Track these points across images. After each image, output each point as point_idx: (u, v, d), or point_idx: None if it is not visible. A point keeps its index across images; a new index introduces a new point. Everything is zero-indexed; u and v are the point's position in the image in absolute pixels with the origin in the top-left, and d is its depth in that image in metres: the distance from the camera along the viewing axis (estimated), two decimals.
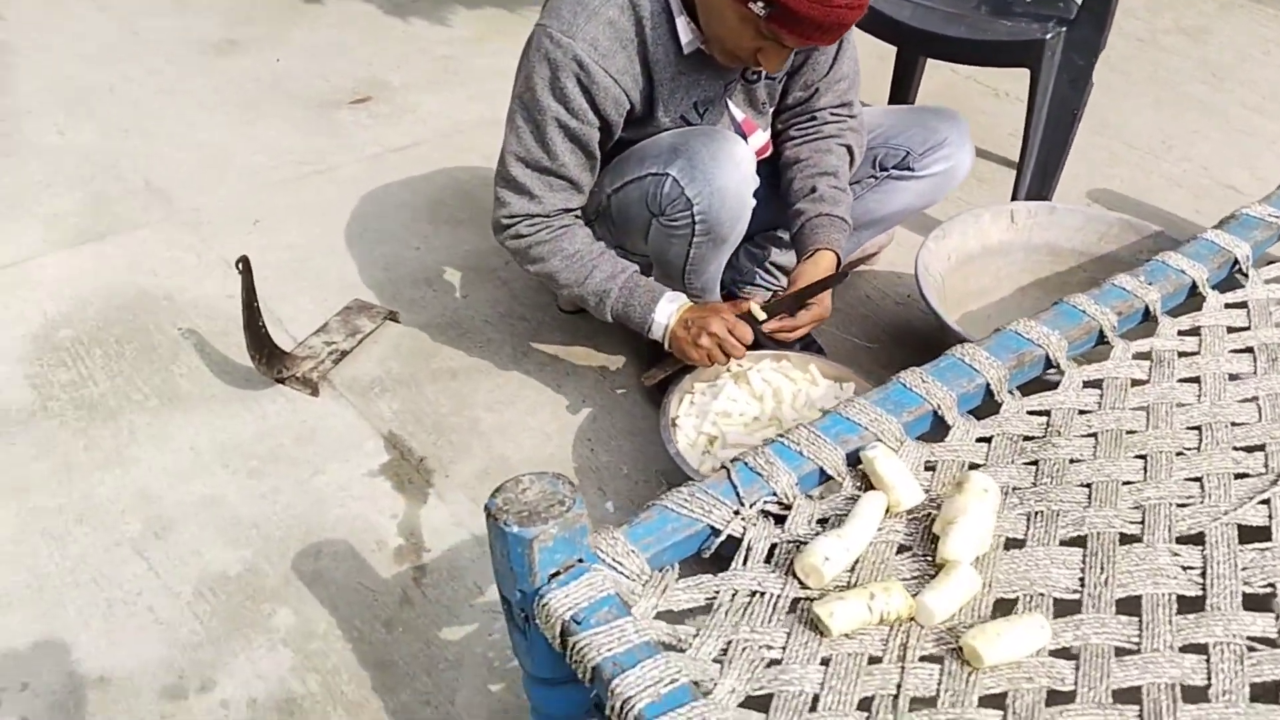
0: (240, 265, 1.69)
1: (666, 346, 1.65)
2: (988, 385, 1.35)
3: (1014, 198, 2.30)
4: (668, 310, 1.62)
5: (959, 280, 1.94)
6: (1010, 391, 1.37)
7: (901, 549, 1.16)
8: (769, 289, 2.03)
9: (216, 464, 1.74)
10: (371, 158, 2.60)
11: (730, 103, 1.69)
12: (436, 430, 1.84)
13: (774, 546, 1.15)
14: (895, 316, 2.17)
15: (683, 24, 1.53)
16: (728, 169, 1.55)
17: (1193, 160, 2.85)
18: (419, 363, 1.98)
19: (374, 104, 2.85)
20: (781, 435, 1.23)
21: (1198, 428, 1.31)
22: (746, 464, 1.20)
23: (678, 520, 1.14)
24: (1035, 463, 1.29)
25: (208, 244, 2.25)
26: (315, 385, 1.86)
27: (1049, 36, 2.10)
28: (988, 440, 1.32)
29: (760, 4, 1.38)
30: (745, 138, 1.71)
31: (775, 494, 1.18)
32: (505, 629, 1.50)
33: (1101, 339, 1.47)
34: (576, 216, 1.68)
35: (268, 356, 1.81)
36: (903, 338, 2.12)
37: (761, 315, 1.61)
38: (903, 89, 2.59)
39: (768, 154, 1.81)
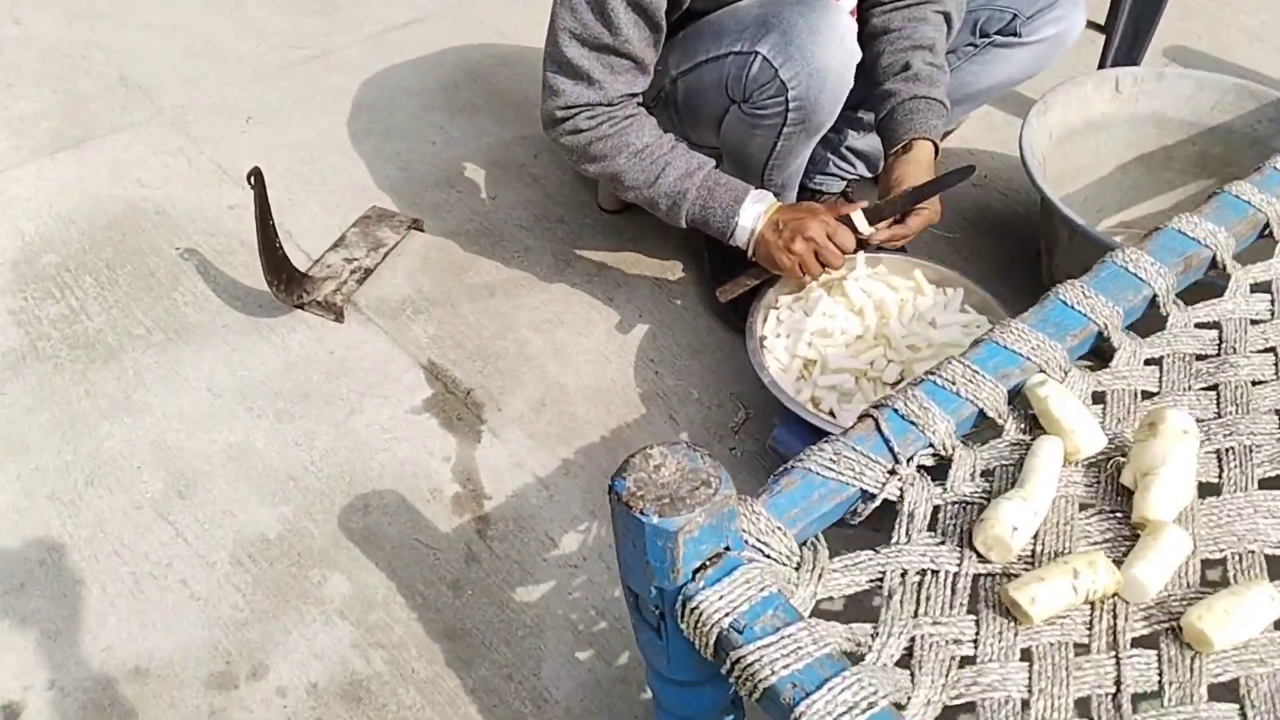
0: (251, 179, 1.44)
1: (750, 254, 1.43)
2: (1154, 297, 1.15)
3: (1101, 64, 2.05)
4: (754, 212, 1.40)
5: (1059, 159, 1.72)
6: (1175, 302, 1.18)
7: (1084, 506, 0.98)
8: (843, 178, 1.80)
9: (239, 407, 1.54)
10: (371, 38, 2.31)
11: None
12: (480, 356, 1.63)
13: (936, 510, 0.97)
14: (974, 202, 1.95)
15: None
16: (829, 44, 1.30)
17: (1270, 10, 2.59)
18: (451, 278, 1.76)
19: None
20: (932, 373, 1.04)
21: None
22: (896, 410, 1.00)
23: (824, 485, 0.95)
24: (1214, 387, 1.10)
25: (199, 146, 1.99)
26: (340, 310, 1.65)
27: None
28: (1157, 363, 1.13)
29: None
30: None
31: (932, 445, 1.00)
32: (584, 586, 1.34)
33: (1264, 233, 1.27)
34: (639, 104, 1.44)
35: (286, 281, 1.58)
36: (984, 225, 1.91)
37: (865, 226, 1.39)
38: None
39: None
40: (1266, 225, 1.26)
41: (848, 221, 1.39)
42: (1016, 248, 1.88)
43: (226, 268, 1.74)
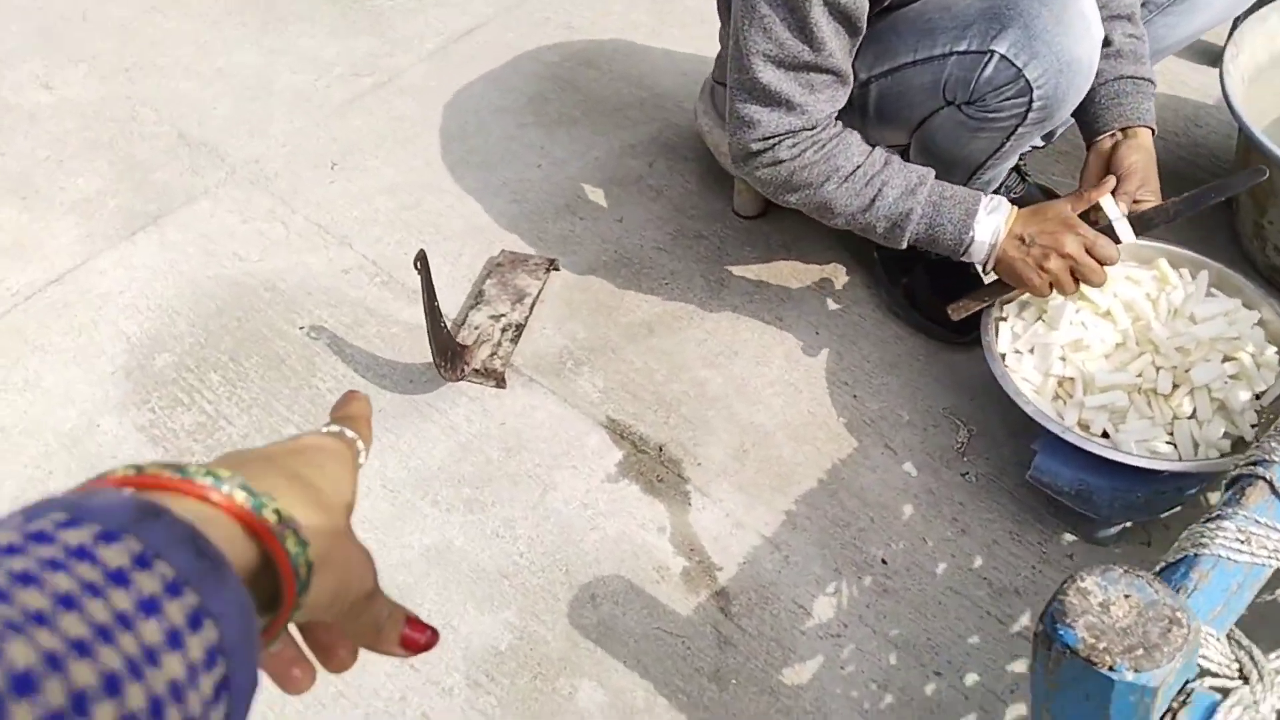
0: (418, 264, 1.29)
1: (987, 269, 1.30)
2: None
3: None
4: (991, 225, 1.26)
5: (1245, 105, 1.57)
6: None
7: None
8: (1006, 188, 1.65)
9: (423, 502, 1.40)
10: (435, 53, 2.13)
11: None
12: (660, 405, 1.50)
13: None
14: (1178, 166, 1.80)
15: None
16: (1078, 34, 1.15)
17: None
18: (604, 320, 1.62)
19: None
20: None
21: None
22: None
23: (1238, 571, 0.83)
24: None
25: (289, 205, 1.82)
26: (501, 375, 1.50)
27: None
28: None
29: None
30: None
31: None
32: (855, 657, 1.23)
33: None
34: (836, 118, 1.29)
35: (451, 358, 1.44)
36: (1184, 187, 1.76)
37: (1129, 236, 1.23)
38: None
39: None
40: None
41: (1108, 231, 1.24)
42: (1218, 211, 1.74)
43: (361, 342, 1.59)
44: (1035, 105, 1.20)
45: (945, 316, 1.52)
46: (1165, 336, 1.24)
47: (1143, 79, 1.32)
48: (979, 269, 1.38)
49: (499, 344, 1.53)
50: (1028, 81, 1.18)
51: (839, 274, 1.67)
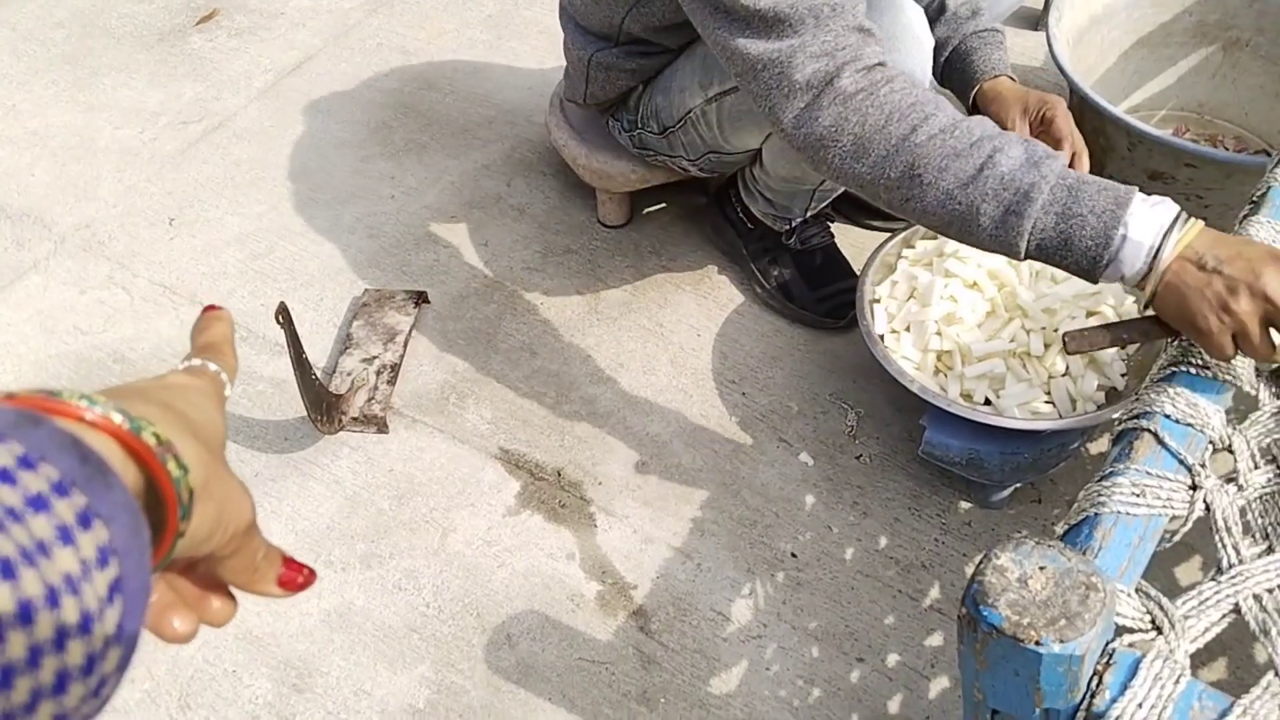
0: (280, 318, 1.22)
1: (1145, 294, 0.90)
2: None
3: None
4: (1154, 223, 0.87)
5: (1072, 65, 1.64)
6: None
7: None
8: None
9: (316, 564, 1.33)
10: (266, 91, 2.04)
11: None
12: (554, 428, 1.47)
13: (1242, 512, 0.89)
14: None
15: None
16: (909, 49, 1.16)
17: None
18: (483, 348, 1.57)
19: (225, 16, 2.22)
20: (1182, 361, 0.94)
21: None
22: (1169, 416, 0.91)
23: (1138, 525, 0.86)
24: None
25: (128, 268, 1.71)
26: (382, 420, 1.45)
27: None
28: None
29: None
30: None
31: (1212, 442, 0.91)
32: (778, 656, 1.23)
33: None
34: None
35: (327, 410, 1.37)
36: None
37: None
38: None
39: None
40: None
41: None
42: None
43: (228, 405, 1.50)
44: None
45: (819, 304, 1.54)
46: (1031, 300, 1.28)
47: (986, 30, 1.35)
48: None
49: (375, 388, 1.47)
50: None
51: (712, 274, 1.67)
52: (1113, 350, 1.26)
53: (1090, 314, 1.29)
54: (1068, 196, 0.90)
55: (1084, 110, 1.51)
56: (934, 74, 1.38)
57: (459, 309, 1.62)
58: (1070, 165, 1.22)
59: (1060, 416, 1.24)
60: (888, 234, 1.44)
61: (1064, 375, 1.26)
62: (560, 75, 1.58)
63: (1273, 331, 0.86)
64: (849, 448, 1.43)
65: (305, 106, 1.99)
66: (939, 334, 1.29)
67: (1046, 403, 1.26)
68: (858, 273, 1.43)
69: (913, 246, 1.41)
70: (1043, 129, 1.27)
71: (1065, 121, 1.26)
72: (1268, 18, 1.67)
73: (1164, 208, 0.89)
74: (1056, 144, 1.26)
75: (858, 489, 1.38)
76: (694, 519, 1.36)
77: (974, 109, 1.34)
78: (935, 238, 1.41)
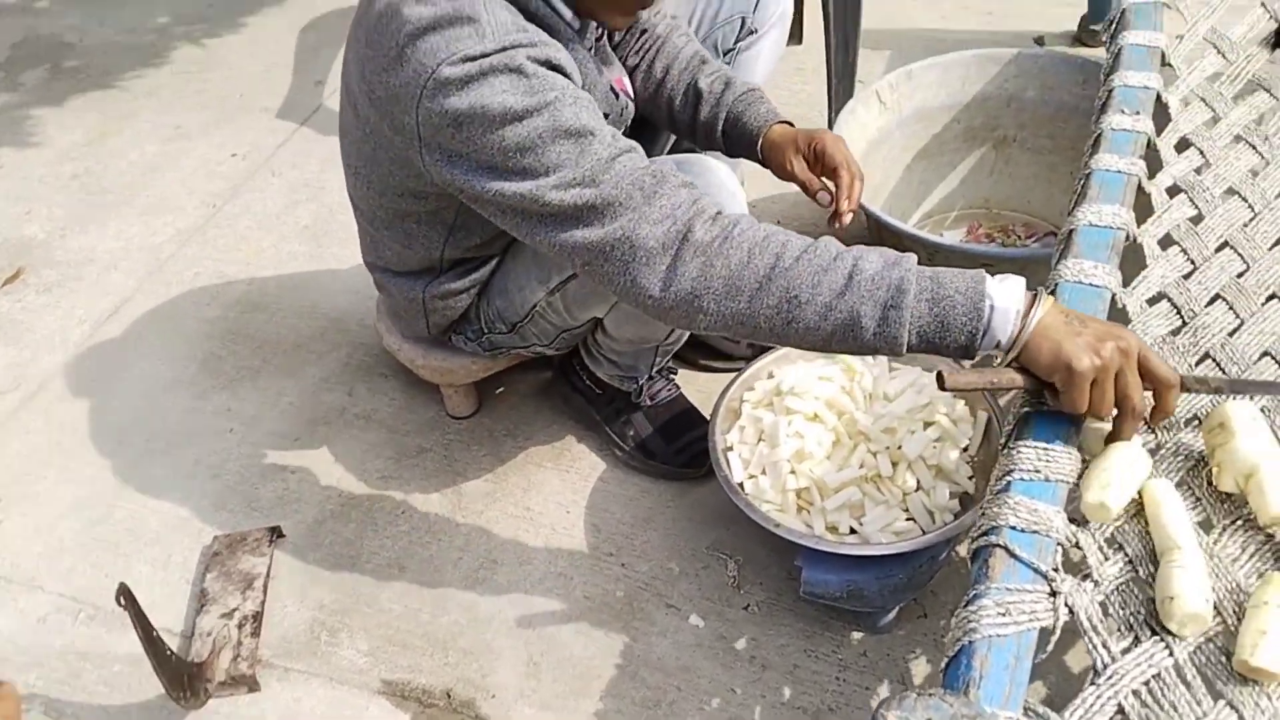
0: (121, 600, 1.15)
1: (1011, 352, 0.96)
2: (1113, 295, 1.16)
3: (828, 78, 2.11)
4: (1011, 291, 0.95)
5: (870, 193, 1.75)
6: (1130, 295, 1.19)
7: (1206, 528, 0.96)
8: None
9: None
10: (84, 343, 1.97)
11: (604, 71, 1.31)
12: (435, 645, 1.41)
13: (1103, 607, 0.92)
14: None
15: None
16: (727, 202, 1.21)
17: None
18: (348, 574, 1.51)
19: (31, 274, 2.16)
20: (1010, 470, 0.97)
21: None
22: (1015, 528, 0.94)
23: (1011, 644, 0.87)
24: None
25: None
26: (251, 678, 1.36)
27: None
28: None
29: None
30: (631, 100, 1.39)
31: (1060, 544, 0.94)
32: None
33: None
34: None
35: (189, 683, 1.28)
36: None
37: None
38: None
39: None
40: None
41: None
42: None
43: (83, 695, 1.39)
44: None
45: (677, 456, 1.55)
46: (870, 423, 1.32)
47: (745, 94, 1.41)
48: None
49: (239, 643, 1.39)
50: None
51: (571, 446, 1.66)
52: (955, 456, 1.31)
53: (927, 425, 1.33)
54: (933, 284, 0.96)
55: (881, 229, 1.60)
56: (721, 151, 1.45)
57: (317, 536, 1.57)
58: (851, 186, 1.31)
59: (923, 531, 1.27)
60: (732, 374, 1.47)
61: (917, 490, 1.29)
62: None
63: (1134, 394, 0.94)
64: (735, 599, 1.42)
65: (128, 352, 1.93)
66: (793, 472, 1.31)
67: (907, 520, 1.29)
68: (708, 417, 1.45)
69: (752, 389, 1.44)
70: (817, 160, 1.33)
71: (835, 148, 1.33)
72: (1025, 114, 1.82)
73: (1013, 279, 0.97)
74: (833, 171, 1.32)
75: (752, 641, 1.37)
76: (596, 712, 1.32)
77: (762, 161, 1.40)
78: (771, 377, 1.44)
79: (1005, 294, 0.96)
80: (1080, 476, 0.97)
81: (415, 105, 1.06)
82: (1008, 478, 0.98)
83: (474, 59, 1.03)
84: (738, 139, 1.42)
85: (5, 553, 1.60)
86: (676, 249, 1.02)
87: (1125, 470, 0.96)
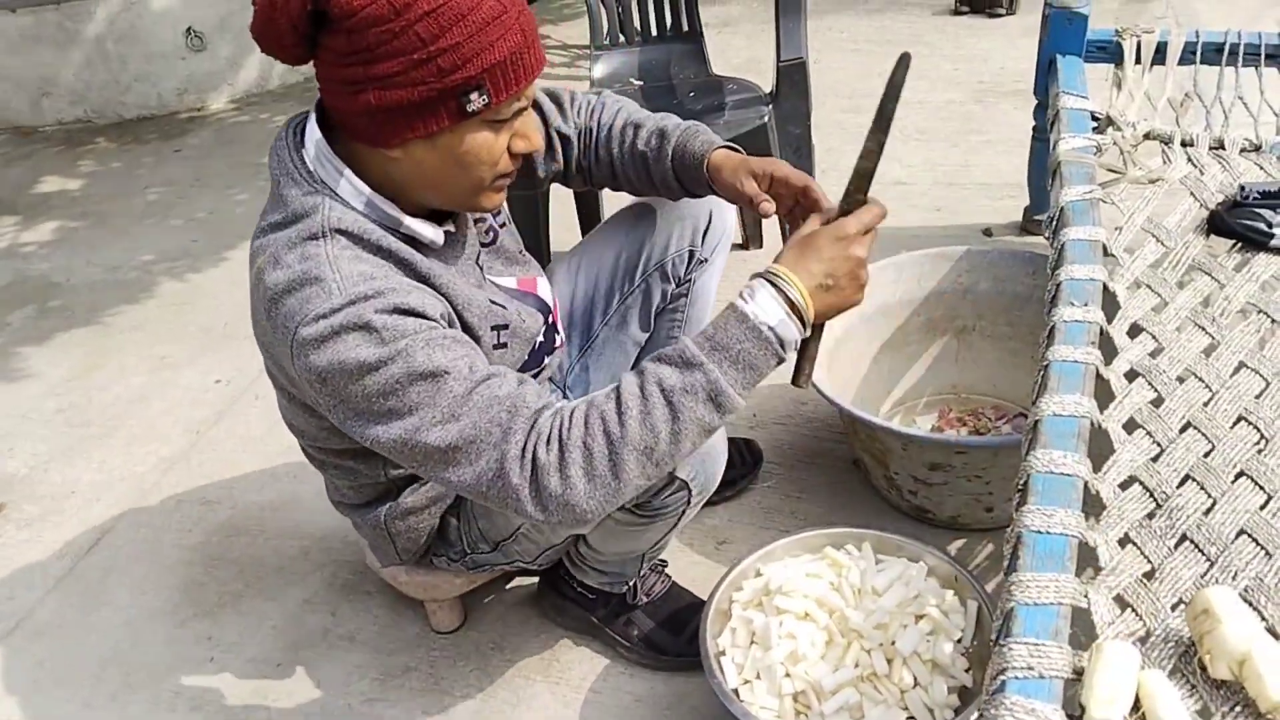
0: None
1: (811, 333, 1.16)
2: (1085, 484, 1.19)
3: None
4: (766, 303, 1.10)
5: (830, 386, 1.80)
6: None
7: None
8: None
9: None
10: (64, 578, 1.94)
11: (494, 282, 1.34)
12: None
13: None
14: (771, 445, 1.98)
15: (413, 222, 1.18)
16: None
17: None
18: None
19: (13, 509, 2.15)
20: (1004, 670, 0.97)
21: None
22: (1018, 672, 0.93)
23: None
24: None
25: None
26: None
27: (764, 119, 2.05)
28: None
29: (475, 94, 1.08)
30: (544, 304, 1.42)
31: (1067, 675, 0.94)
32: None
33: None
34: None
35: None
36: (791, 460, 1.94)
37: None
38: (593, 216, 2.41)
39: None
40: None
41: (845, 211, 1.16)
42: (832, 468, 1.93)
43: None
44: (694, 495, 1.29)
45: (689, 645, 1.51)
46: (862, 619, 1.32)
47: (684, 129, 1.41)
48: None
49: None
50: (681, 480, 1.26)
51: (560, 655, 1.63)
52: (949, 649, 1.30)
53: (919, 618, 1.33)
54: (724, 353, 1.08)
55: (855, 424, 1.65)
56: (669, 192, 1.47)
57: None
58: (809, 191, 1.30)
59: None
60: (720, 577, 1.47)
61: (914, 687, 1.28)
62: None
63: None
64: None
65: (110, 584, 1.91)
66: (788, 675, 1.29)
67: (909, 718, 1.26)
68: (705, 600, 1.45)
69: (740, 589, 1.44)
70: (773, 187, 1.33)
71: (790, 171, 1.32)
72: (982, 305, 1.91)
73: (760, 290, 1.11)
74: (802, 190, 1.30)
75: None
76: None
77: (709, 187, 1.40)
78: (759, 575, 1.45)
79: (766, 309, 1.10)
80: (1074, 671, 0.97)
81: (291, 364, 1.12)
82: (1001, 677, 0.98)
83: (325, 316, 1.07)
84: (684, 172, 1.42)
85: None
86: (532, 477, 1.08)
87: (1121, 675, 0.95)
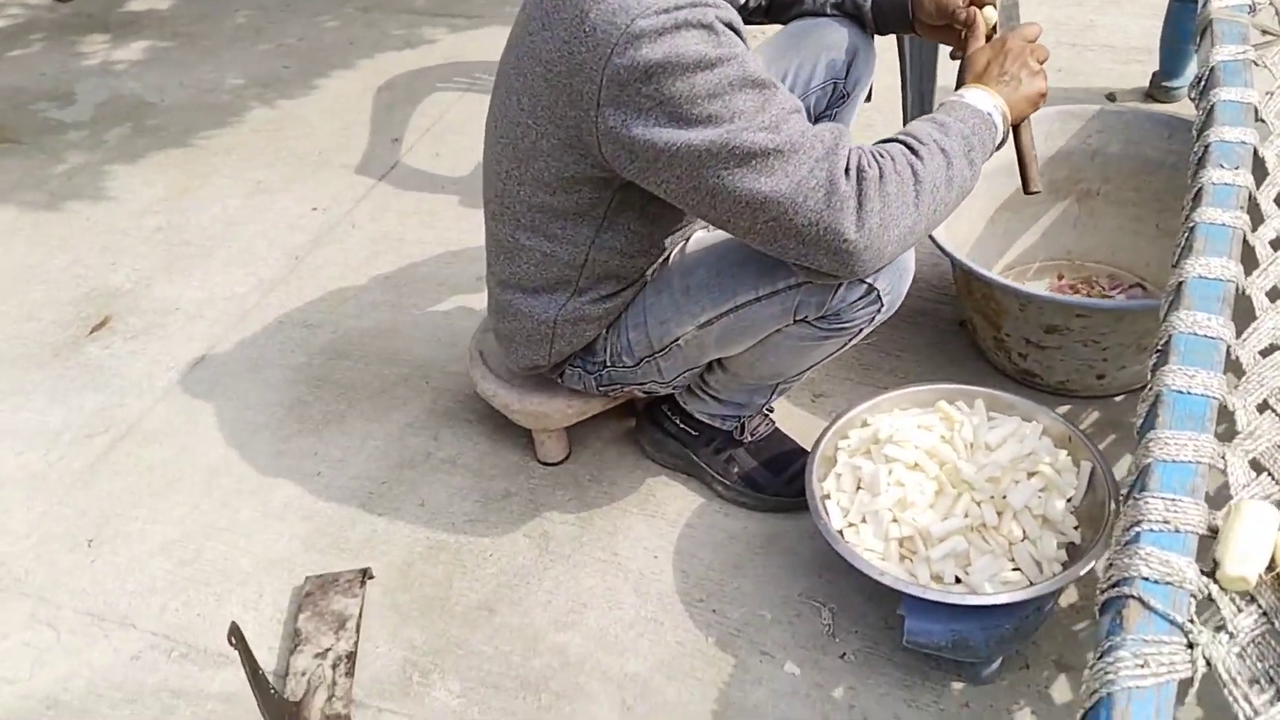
0: (233, 639, 1.16)
1: (1009, 126, 1.29)
2: (1228, 347, 1.15)
3: (904, 109, 2.14)
4: (979, 95, 1.25)
5: (947, 236, 1.76)
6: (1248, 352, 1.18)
7: None
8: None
9: None
10: (170, 389, 2.01)
11: None
12: (527, 687, 1.41)
13: (1240, 657, 0.90)
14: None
15: None
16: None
17: None
18: (438, 615, 1.52)
19: (118, 321, 2.21)
20: (1139, 521, 0.97)
21: None
22: (1148, 579, 0.93)
23: (1150, 697, 0.85)
24: None
25: (50, 601, 1.61)
26: (347, 717, 1.36)
27: None
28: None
29: None
30: None
31: (1193, 596, 0.93)
32: None
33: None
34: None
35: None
36: (894, 318, 1.92)
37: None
38: None
39: None
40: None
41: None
42: (934, 328, 1.91)
43: None
44: (884, 308, 1.29)
45: (788, 486, 1.54)
46: (974, 472, 1.31)
47: None
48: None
49: (334, 683, 1.40)
50: (877, 292, 1.26)
51: (656, 491, 1.67)
52: (1060, 506, 1.30)
53: (1030, 474, 1.32)
54: (962, 126, 1.21)
55: (970, 280, 1.61)
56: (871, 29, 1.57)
57: (406, 578, 1.57)
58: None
59: (1030, 581, 1.25)
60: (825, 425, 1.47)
61: (1023, 540, 1.28)
62: (470, 324, 1.60)
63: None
64: (831, 647, 1.41)
65: (214, 397, 1.97)
66: (895, 521, 1.30)
67: (1014, 570, 1.27)
68: (807, 450, 1.46)
69: (847, 437, 1.44)
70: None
71: None
72: (1110, 168, 1.83)
73: (968, 92, 1.26)
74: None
75: (850, 689, 1.35)
76: None
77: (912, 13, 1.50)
78: (865, 425, 1.44)
79: (978, 99, 1.25)
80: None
81: (603, 65, 1.10)
82: (1136, 528, 0.97)
83: (667, 10, 1.08)
84: (889, 9, 1.51)
85: (98, 591, 1.62)
86: (859, 188, 1.12)
87: (1258, 532, 0.94)
